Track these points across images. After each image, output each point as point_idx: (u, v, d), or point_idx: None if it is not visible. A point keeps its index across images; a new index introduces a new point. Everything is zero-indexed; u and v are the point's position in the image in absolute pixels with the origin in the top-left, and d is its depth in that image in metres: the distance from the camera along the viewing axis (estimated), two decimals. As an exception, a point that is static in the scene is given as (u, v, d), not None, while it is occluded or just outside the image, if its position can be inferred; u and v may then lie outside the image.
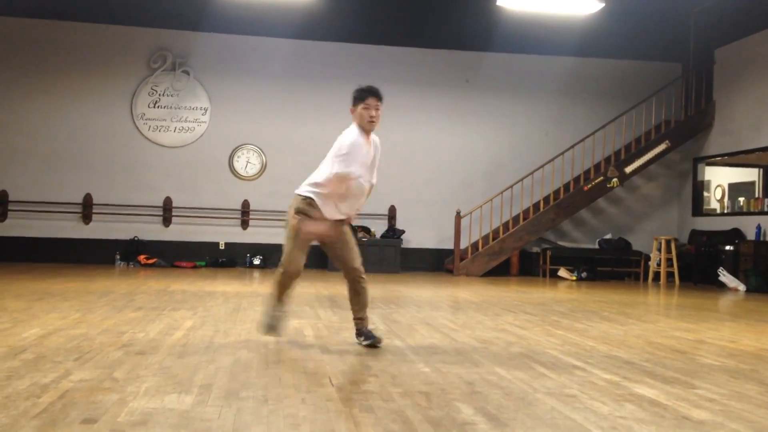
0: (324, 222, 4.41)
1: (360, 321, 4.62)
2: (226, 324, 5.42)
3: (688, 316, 7.13)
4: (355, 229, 12.59)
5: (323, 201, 4.41)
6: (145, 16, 12.50)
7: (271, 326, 4.64)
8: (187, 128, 12.86)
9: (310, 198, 4.42)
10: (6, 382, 3.27)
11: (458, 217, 12.53)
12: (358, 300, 4.59)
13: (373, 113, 4.40)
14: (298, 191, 4.51)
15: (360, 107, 4.42)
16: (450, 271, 12.83)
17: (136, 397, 3.08)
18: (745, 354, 4.81)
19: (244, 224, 12.93)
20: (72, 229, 12.48)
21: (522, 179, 12.80)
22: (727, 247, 11.64)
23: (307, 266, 4.66)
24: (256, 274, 11.29)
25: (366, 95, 4.43)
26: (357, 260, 4.56)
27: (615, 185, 12.75)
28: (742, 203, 12.77)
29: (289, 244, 4.48)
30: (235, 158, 12.98)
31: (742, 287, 10.95)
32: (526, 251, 13.20)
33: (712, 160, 13.36)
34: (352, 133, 4.42)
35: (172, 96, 12.81)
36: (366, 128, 4.43)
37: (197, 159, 12.84)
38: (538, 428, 2.81)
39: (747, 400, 3.39)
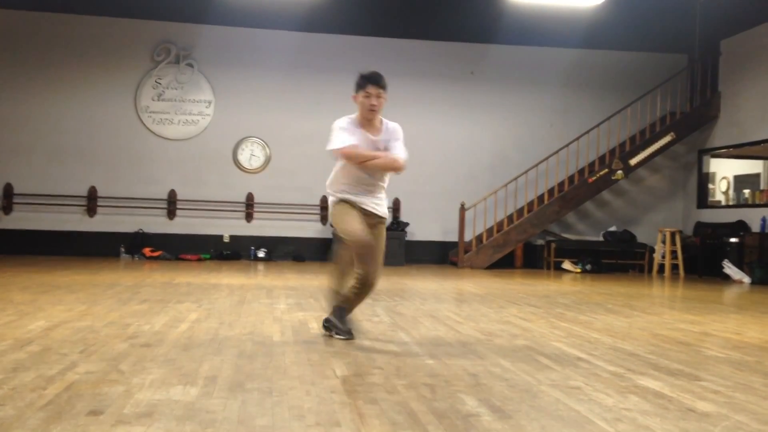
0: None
1: (341, 303, 4.51)
2: (231, 316, 5.43)
3: (692, 308, 7.12)
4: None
5: (338, 196, 4.46)
6: (149, 8, 12.48)
7: None
8: (191, 121, 12.86)
9: (332, 199, 4.49)
10: (12, 374, 3.29)
11: (463, 209, 12.52)
12: (351, 293, 4.46)
13: (374, 102, 4.31)
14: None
15: (361, 95, 4.34)
16: (454, 264, 12.83)
17: (142, 388, 3.09)
18: (749, 346, 4.80)
19: (249, 217, 12.94)
20: (77, 221, 12.52)
21: (527, 171, 12.78)
22: (732, 239, 11.61)
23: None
24: (261, 266, 11.30)
25: (366, 83, 4.32)
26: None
27: (620, 177, 12.73)
28: (747, 195, 12.75)
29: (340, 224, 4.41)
30: (240, 151, 12.98)
31: (746, 279, 10.93)
32: (531, 244, 13.19)
33: (718, 152, 13.32)
34: (340, 120, 4.42)
35: (176, 89, 12.81)
36: (367, 116, 4.36)
37: (201, 152, 12.85)
38: (542, 420, 2.82)
39: (752, 392, 3.39)
